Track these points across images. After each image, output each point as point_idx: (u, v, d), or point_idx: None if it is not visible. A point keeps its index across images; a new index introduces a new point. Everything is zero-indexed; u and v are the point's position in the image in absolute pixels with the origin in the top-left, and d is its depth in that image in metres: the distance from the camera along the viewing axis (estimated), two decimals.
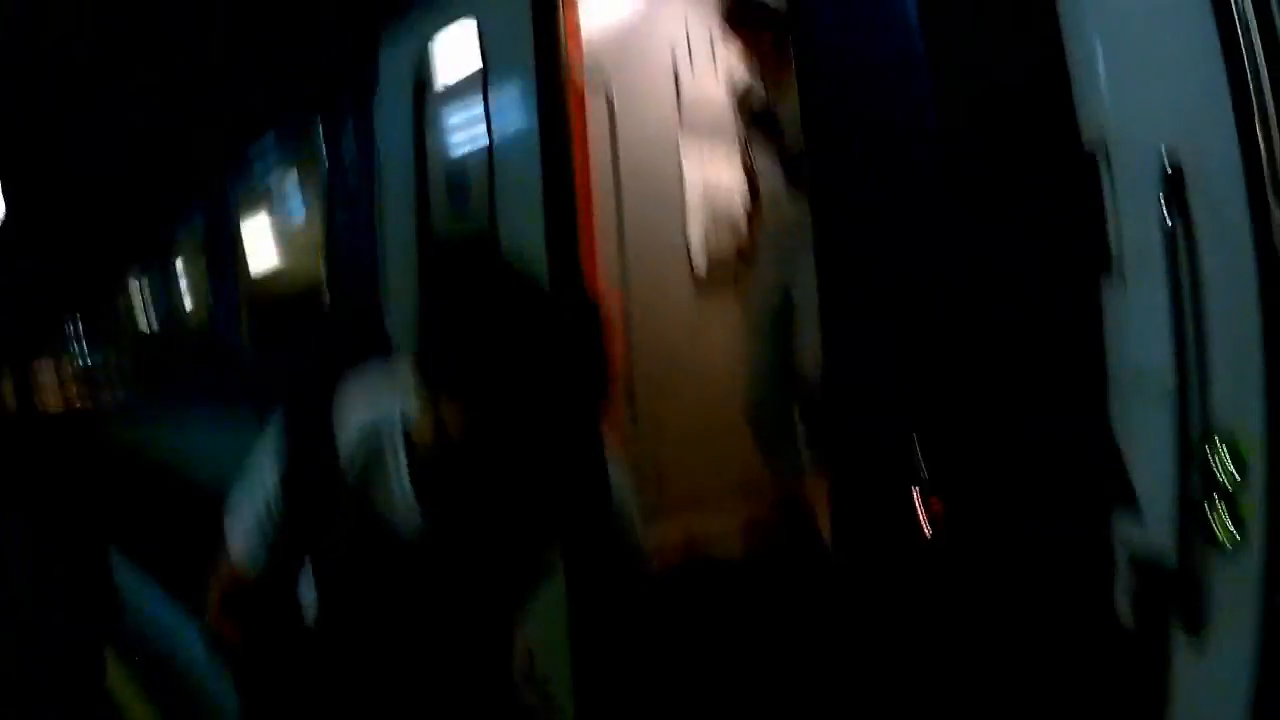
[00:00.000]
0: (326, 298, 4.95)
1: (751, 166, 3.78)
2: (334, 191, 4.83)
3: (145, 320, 9.02)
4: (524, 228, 3.21)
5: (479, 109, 3.49)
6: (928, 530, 2.03)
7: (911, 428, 2.08)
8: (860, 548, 2.33)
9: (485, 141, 3.46)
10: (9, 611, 3.92)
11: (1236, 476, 1.67)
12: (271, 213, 6.23)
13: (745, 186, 3.96)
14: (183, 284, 8.16)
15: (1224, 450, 1.67)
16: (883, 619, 2.24)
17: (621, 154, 3.96)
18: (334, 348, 4.83)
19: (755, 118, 3.64)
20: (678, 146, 4.26)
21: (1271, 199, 1.66)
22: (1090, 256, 1.83)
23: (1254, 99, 1.68)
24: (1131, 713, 1.83)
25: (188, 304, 7.94)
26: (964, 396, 2.07)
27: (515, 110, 3.33)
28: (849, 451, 2.31)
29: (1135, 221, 1.75)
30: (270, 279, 6.52)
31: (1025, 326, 1.97)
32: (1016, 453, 2.01)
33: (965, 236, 2.03)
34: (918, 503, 2.07)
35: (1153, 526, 1.77)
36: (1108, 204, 1.79)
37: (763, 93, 3.64)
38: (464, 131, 3.65)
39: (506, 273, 1.63)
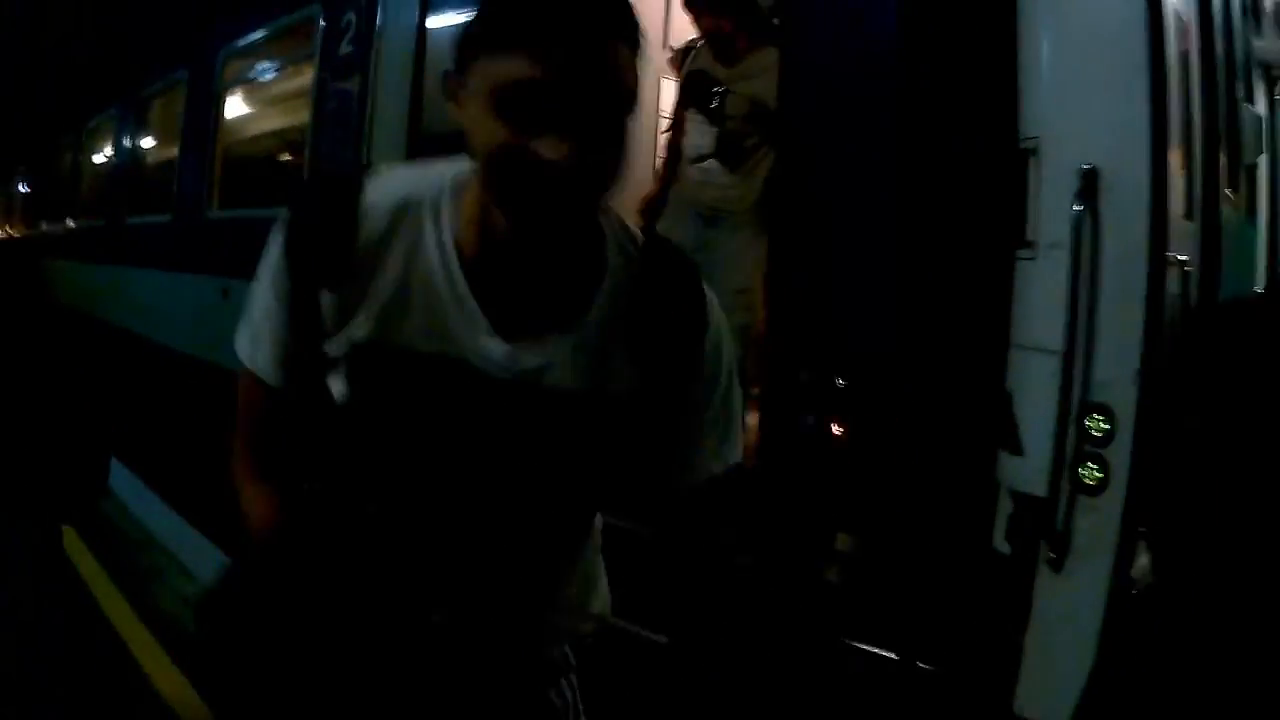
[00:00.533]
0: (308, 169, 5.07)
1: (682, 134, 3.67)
2: (327, 64, 4.92)
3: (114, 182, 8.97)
4: None
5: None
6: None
7: (832, 371, 2.41)
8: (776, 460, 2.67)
9: None
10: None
11: (1106, 439, 2.00)
12: (256, 80, 6.24)
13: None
14: (152, 143, 8.14)
15: (1098, 416, 1.99)
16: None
17: None
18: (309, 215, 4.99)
19: (695, 90, 3.56)
20: (658, 73, 4.34)
21: (1177, 210, 1.97)
22: (1010, 236, 2.12)
23: (1171, 129, 1.98)
24: (998, 622, 2.18)
25: (156, 163, 7.92)
26: (884, 346, 2.39)
27: None
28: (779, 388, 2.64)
29: (1052, 212, 2.02)
30: (247, 147, 6.59)
31: (947, 289, 2.27)
32: (922, 396, 2.33)
33: (906, 207, 2.31)
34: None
35: (1032, 471, 2.10)
36: (1031, 194, 2.07)
37: (710, 71, 3.54)
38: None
39: None
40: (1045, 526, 2.08)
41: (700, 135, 3.50)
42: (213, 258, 6.01)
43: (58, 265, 10.66)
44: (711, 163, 3.46)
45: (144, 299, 7.25)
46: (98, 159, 9.74)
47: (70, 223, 10.49)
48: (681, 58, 3.72)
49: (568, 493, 1.30)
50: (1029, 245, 2.07)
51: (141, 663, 3.68)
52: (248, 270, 1.30)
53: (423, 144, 3.95)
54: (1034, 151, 2.05)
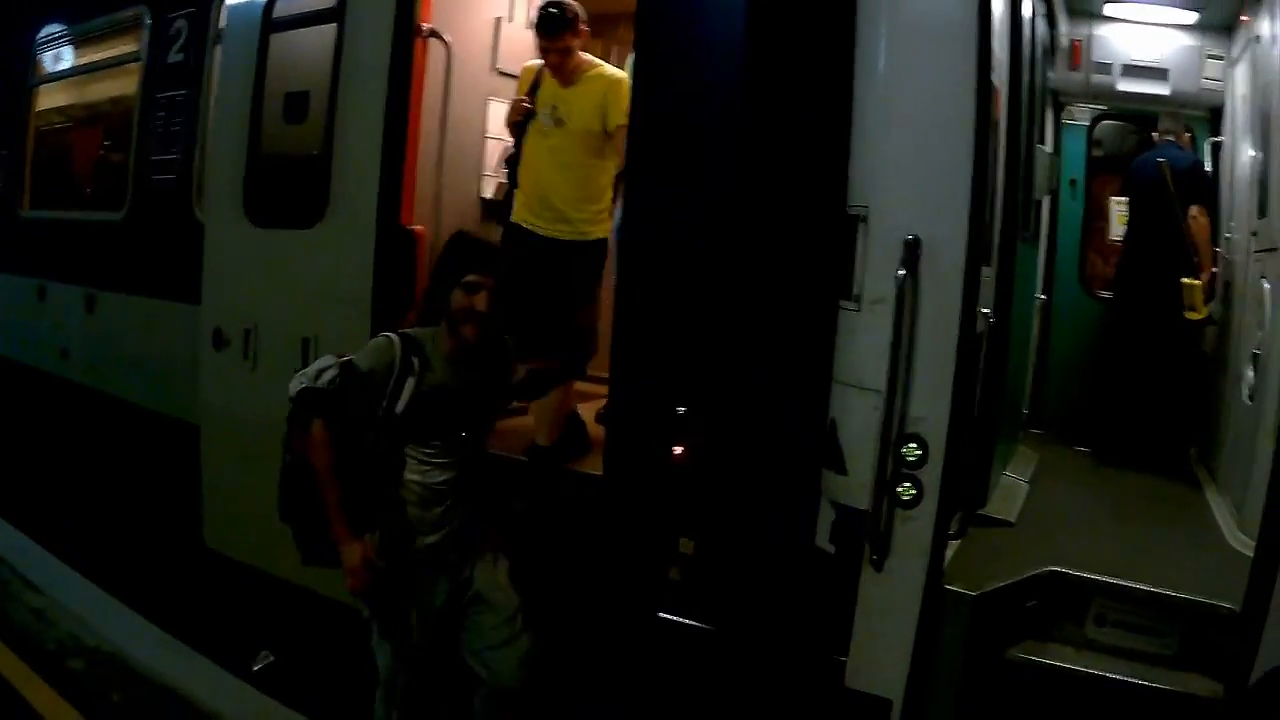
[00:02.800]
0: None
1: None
2: (152, 79, 4.90)
3: None
4: (360, 154, 3.58)
5: (331, 35, 3.68)
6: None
7: (676, 400, 2.64)
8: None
9: (332, 65, 3.66)
10: None
11: (920, 463, 2.35)
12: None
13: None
14: None
15: (914, 444, 2.35)
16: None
17: (452, 95, 4.01)
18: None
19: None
20: (487, 92, 4.28)
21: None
22: (837, 289, 2.44)
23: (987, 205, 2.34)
24: (828, 615, 2.51)
25: None
26: (723, 379, 2.62)
27: (368, 43, 3.57)
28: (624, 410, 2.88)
29: (877, 270, 2.36)
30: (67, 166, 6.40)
31: (779, 331, 2.55)
32: (757, 422, 2.59)
33: (742, 259, 2.56)
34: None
35: (855, 487, 2.43)
36: (858, 254, 2.39)
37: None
38: (312, 52, 3.77)
39: None
40: (867, 533, 2.41)
41: None
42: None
43: None
44: None
45: None
46: None
47: None
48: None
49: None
50: (854, 299, 2.41)
51: (11, 682, 3.63)
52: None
53: (262, 164, 3.95)
54: (863, 219, 2.38)
